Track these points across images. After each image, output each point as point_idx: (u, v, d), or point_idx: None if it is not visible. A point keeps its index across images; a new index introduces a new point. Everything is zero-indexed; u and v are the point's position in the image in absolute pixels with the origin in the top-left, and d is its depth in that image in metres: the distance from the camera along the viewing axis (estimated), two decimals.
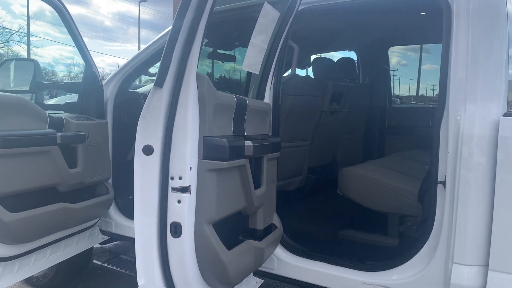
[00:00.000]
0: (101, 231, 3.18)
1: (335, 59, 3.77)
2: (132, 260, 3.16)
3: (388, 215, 2.51)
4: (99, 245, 3.59)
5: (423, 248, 2.02)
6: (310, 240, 2.49)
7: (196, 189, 1.59)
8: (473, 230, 1.82)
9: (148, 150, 1.55)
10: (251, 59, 2.12)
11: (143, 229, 1.58)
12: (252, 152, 1.82)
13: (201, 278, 1.69)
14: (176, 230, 1.57)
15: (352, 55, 4.20)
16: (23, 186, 2.24)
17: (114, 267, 3.07)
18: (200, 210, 1.61)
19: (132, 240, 2.98)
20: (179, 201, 1.57)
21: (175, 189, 1.57)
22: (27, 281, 3.49)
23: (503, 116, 1.78)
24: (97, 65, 3.05)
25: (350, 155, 3.63)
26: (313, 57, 3.80)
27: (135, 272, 2.87)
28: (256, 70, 2.22)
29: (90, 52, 3.00)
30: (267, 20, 2.08)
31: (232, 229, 1.98)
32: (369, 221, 2.64)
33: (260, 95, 2.36)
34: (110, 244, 3.68)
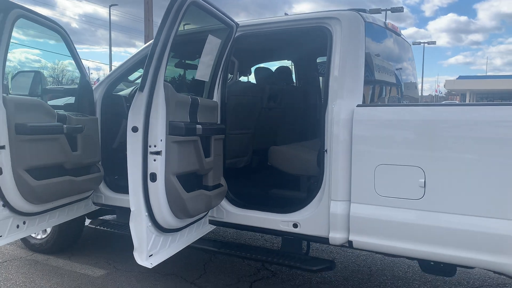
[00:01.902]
0: (93, 202, 4.07)
1: None
2: (118, 224, 4.09)
3: (300, 177, 3.59)
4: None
5: (317, 194, 3.05)
6: (249, 197, 3.52)
7: (165, 152, 2.61)
8: (341, 180, 2.86)
9: (135, 129, 2.55)
10: (202, 71, 3.14)
11: (133, 177, 2.57)
12: (201, 132, 2.85)
13: (169, 209, 2.70)
14: (153, 177, 2.57)
15: None
16: (43, 162, 3.16)
17: (105, 228, 4.01)
18: (168, 166, 2.62)
19: (117, 208, 3.91)
20: (154, 160, 2.57)
21: (152, 153, 2.57)
22: (32, 248, 4.37)
23: (357, 106, 2.86)
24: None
25: (288, 140, 4.66)
26: (255, 66, 4.84)
27: (123, 231, 3.81)
28: (206, 78, 3.25)
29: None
30: (212, 45, 3.11)
31: (192, 184, 2.99)
32: (289, 182, 3.70)
33: (210, 96, 3.37)
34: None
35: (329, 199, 2.95)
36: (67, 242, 4.33)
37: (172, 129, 2.63)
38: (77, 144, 3.53)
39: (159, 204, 2.62)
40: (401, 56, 3.99)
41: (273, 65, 5.28)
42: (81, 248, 4.43)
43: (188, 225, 3.06)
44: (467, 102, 52.52)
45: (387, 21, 3.62)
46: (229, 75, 4.00)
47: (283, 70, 4.77)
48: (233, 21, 3.22)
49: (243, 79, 5.06)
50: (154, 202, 2.61)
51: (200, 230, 3.34)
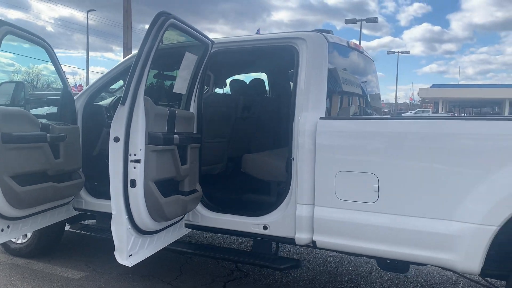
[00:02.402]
0: (74, 208, 4.23)
1: None
2: (98, 228, 4.27)
3: (270, 182, 3.87)
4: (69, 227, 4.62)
5: (285, 199, 3.32)
6: (223, 202, 3.77)
7: (144, 161, 2.84)
8: (306, 185, 3.15)
9: (117, 139, 2.78)
10: (179, 84, 3.40)
11: (114, 183, 2.80)
12: (178, 141, 3.10)
13: (148, 213, 2.93)
14: (133, 183, 2.80)
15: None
16: (27, 169, 3.33)
17: (86, 232, 4.18)
18: (146, 173, 2.86)
19: (97, 213, 4.10)
20: (134, 167, 2.81)
21: (132, 161, 2.81)
22: (13, 252, 4.49)
23: (320, 119, 3.17)
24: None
25: (261, 148, 4.93)
26: (230, 79, 5.12)
27: (102, 235, 4.00)
28: (183, 91, 3.50)
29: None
30: (188, 61, 3.37)
31: (169, 189, 3.22)
32: (260, 187, 3.97)
33: (187, 107, 3.62)
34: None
35: (295, 202, 3.22)
36: (47, 246, 4.46)
37: (151, 139, 2.88)
38: (59, 152, 3.70)
39: (138, 208, 2.85)
40: (364, 70, 4.34)
41: (249, 76, 5.57)
42: (61, 252, 4.57)
43: (165, 228, 3.29)
44: (439, 110, 54.28)
45: (349, 41, 3.95)
46: (205, 87, 4.26)
47: (256, 82, 5.07)
48: (208, 39, 3.49)
49: (219, 91, 5.34)
50: (134, 206, 2.84)
51: (176, 233, 3.57)
